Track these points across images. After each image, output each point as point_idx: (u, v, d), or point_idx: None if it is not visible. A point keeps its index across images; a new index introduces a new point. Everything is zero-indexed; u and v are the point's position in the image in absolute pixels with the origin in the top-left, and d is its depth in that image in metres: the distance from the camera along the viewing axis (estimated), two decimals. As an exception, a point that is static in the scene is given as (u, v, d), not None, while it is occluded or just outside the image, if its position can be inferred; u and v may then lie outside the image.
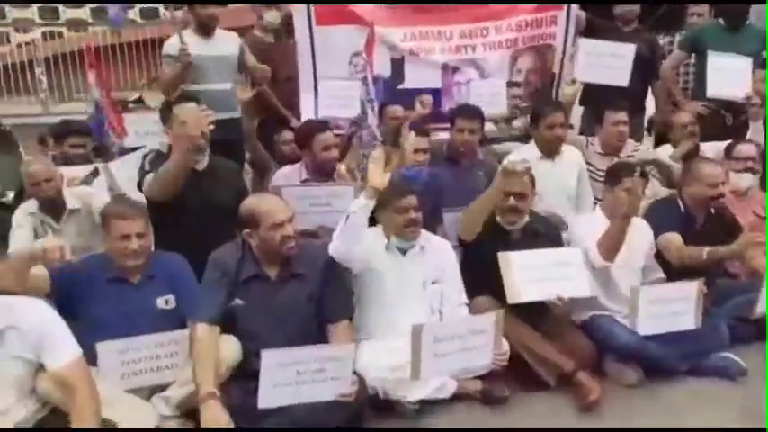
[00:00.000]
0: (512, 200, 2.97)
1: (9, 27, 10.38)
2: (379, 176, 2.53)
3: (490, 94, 4.37)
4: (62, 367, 2.21)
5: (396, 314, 2.78)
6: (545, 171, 3.47)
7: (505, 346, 2.71)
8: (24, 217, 3.35)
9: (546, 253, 2.91)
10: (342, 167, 3.73)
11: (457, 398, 2.77)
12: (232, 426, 2.29)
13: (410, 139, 3.30)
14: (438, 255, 2.92)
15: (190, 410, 2.49)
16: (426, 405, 2.69)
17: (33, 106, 9.01)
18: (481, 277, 2.92)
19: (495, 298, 2.86)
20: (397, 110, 4.28)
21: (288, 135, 4.31)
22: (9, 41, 10.33)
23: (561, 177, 3.65)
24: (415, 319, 2.58)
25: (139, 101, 5.92)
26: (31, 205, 3.37)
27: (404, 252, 2.87)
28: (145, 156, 3.23)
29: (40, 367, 2.25)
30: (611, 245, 2.93)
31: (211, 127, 2.97)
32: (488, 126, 4.25)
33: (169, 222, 2.97)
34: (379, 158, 2.59)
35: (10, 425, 2.20)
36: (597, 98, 4.22)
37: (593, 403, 2.72)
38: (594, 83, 4.19)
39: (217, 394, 2.32)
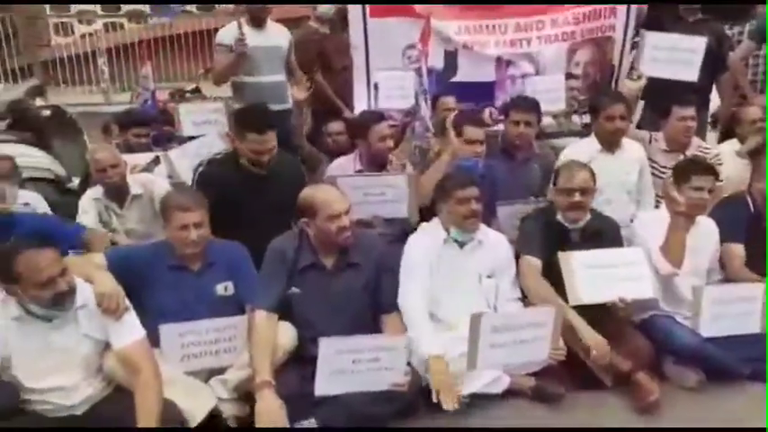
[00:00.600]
0: (577, 196, 2.90)
1: (73, 18, 10.74)
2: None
3: (548, 90, 4.26)
4: (127, 347, 2.31)
5: (450, 307, 2.77)
6: (605, 164, 3.37)
7: (562, 342, 2.66)
8: (90, 202, 3.47)
9: (608, 253, 2.84)
10: (394, 158, 3.73)
11: (509, 394, 2.73)
12: (284, 417, 2.33)
13: (466, 131, 3.26)
14: (495, 249, 2.89)
15: (245, 393, 2.54)
16: (478, 399, 2.67)
17: (95, 95, 9.34)
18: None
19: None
20: (449, 101, 4.26)
21: (335, 126, 4.31)
22: (73, 33, 10.70)
23: (621, 171, 3.54)
24: (470, 312, 2.56)
25: (196, 91, 6.03)
26: (96, 191, 3.49)
27: (461, 245, 2.85)
28: (195, 170, 3.26)
29: (107, 346, 2.35)
30: (679, 250, 2.84)
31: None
32: (547, 120, 4.18)
33: (233, 220, 3.01)
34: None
35: (77, 401, 2.31)
36: (661, 92, 4.07)
37: (653, 405, 2.65)
38: (660, 77, 4.04)
39: (272, 383, 2.37)
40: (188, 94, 5.86)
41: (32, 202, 3.53)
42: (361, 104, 4.61)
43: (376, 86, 4.49)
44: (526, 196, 3.49)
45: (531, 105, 3.63)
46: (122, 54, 9.53)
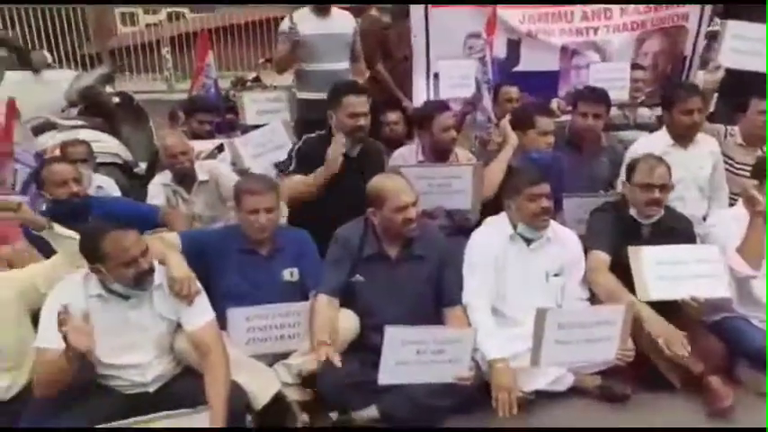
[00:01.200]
0: (656, 192, 2.80)
1: (138, 8, 11.06)
2: None
3: (611, 79, 4.12)
4: (198, 329, 2.36)
5: (515, 304, 2.72)
6: (677, 159, 3.23)
7: (631, 342, 2.58)
8: (158, 187, 3.56)
9: (681, 249, 2.73)
10: (457, 149, 3.68)
11: (574, 392, 2.69)
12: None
13: (539, 122, 3.20)
14: (563, 246, 2.81)
15: (309, 379, 2.57)
16: (541, 397, 2.64)
17: (157, 83, 9.62)
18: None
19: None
20: (511, 91, 4.18)
21: (392, 116, 4.29)
22: (137, 23, 11.02)
23: (694, 167, 3.40)
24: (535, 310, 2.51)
25: (256, 80, 6.12)
26: (165, 176, 3.59)
27: (529, 242, 2.78)
28: (292, 150, 3.30)
29: (178, 327, 2.42)
30: (758, 251, 2.71)
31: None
32: (613, 111, 4.05)
33: (319, 208, 3.05)
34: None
35: (150, 378, 2.38)
36: (738, 85, 3.88)
37: (726, 410, 2.55)
38: (741, 69, 3.84)
39: (329, 342, 2.43)
40: (249, 83, 5.93)
41: (105, 185, 3.66)
42: (419, 95, 4.59)
43: (436, 76, 4.46)
44: (592, 190, 3.41)
45: (600, 97, 3.53)
46: (185, 43, 9.77)
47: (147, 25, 10.37)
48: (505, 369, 2.46)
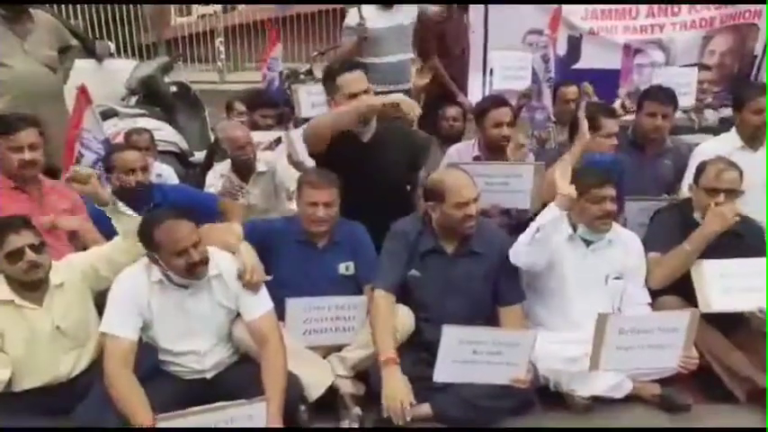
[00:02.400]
0: (721, 197, 2.70)
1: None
2: (568, 185, 2.46)
3: (678, 84, 3.93)
4: (256, 318, 2.39)
5: (573, 307, 2.67)
6: (746, 162, 3.07)
7: (695, 350, 2.50)
8: (217, 177, 3.62)
9: (745, 263, 2.64)
10: (511, 144, 3.59)
11: (631, 399, 2.62)
12: (410, 394, 2.33)
13: (604, 123, 3.12)
14: (624, 249, 2.74)
15: (361, 372, 2.59)
16: (598, 403, 2.58)
17: (209, 73, 9.75)
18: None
19: (683, 299, 2.65)
20: (570, 91, 4.09)
21: (452, 111, 4.26)
22: (191, 13, 11.19)
23: (764, 170, 3.26)
24: (594, 313, 2.44)
25: (309, 72, 6.13)
26: (224, 166, 3.64)
27: (588, 243, 2.72)
28: None
29: (237, 316, 2.45)
30: None
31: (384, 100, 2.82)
32: (676, 114, 3.91)
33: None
34: (566, 167, 2.47)
35: (208, 366, 2.42)
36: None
37: (793, 427, 2.45)
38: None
39: (397, 360, 2.38)
40: (302, 76, 5.95)
41: (164, 173, 3.74)
42: (475, 90, 4.54)
43: (492, 72, 4.40)
44: (654, 192, 3.31)
45: (668, 96, 3.41)
46: (238, 34, 9.90)
47: (201, 16, 10.53)
48: None
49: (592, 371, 2.41)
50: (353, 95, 2.80)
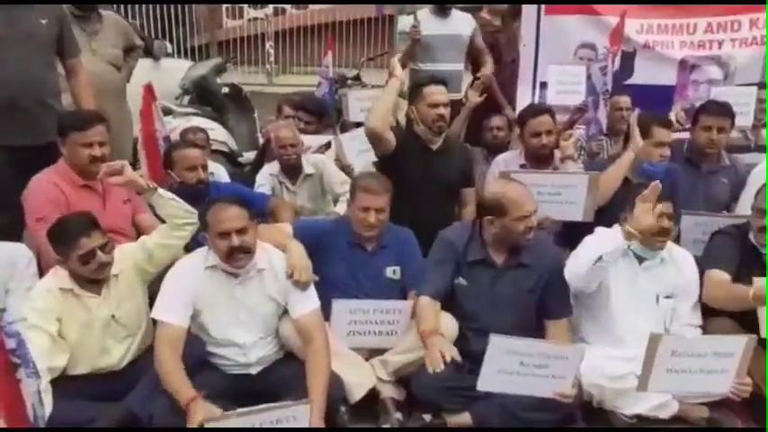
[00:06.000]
0: None
1: (243, 3, 11.46)
2: (649, 218, 2.33)
3: (736, 104, 3.77)
4: (303, 316, 2.43)
5: (620, 324, 2.63)
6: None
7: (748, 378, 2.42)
8: (266, 177, 3.69)
9: None
10: (558, 154, 3.56)
11: (677, 420, 2.56)
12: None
13: (656, 132, 3.06)
14: (678, 268, 2.67)
15: (403, 378, 2.59)
16: (643, 422, 2.53)
17: (258, 76, 9.95)
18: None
19: (737, 323, 2.58)
20: (622, 100, 4.03)
21: (497, 121, 4.23)
22: (242, 16, 11.43)
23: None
24: (642, 332, 2.40)
25: (357, 78, 6.20)
26: (273, 167, 3.71)
27: (641, 261, 2.66)
28: None
29: (285, 313, 2.48)
30: None
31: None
32: (732, 133, 3.81)
33: (398, 197, 3.07)
34: (648, 203, 2.35)
35: (253, 360, 2.46)
36: None
37: None
38: None
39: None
40: (349, 81, 6.02)
41: (216, 172, 3.81)
42: (524, 104, 4.49)
43: (543, 85, 4.36)
44: (707, 210, 3.22)
45: (725, 110, 3.33)
46: (288, 38, 10.08)
47: (251, 19, 10.76)
48: None
49: (639, 391, 2.36)
50: (435, 105, 3.14)
